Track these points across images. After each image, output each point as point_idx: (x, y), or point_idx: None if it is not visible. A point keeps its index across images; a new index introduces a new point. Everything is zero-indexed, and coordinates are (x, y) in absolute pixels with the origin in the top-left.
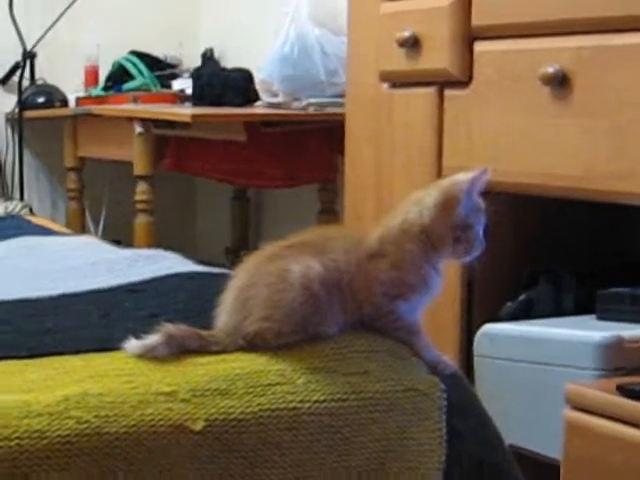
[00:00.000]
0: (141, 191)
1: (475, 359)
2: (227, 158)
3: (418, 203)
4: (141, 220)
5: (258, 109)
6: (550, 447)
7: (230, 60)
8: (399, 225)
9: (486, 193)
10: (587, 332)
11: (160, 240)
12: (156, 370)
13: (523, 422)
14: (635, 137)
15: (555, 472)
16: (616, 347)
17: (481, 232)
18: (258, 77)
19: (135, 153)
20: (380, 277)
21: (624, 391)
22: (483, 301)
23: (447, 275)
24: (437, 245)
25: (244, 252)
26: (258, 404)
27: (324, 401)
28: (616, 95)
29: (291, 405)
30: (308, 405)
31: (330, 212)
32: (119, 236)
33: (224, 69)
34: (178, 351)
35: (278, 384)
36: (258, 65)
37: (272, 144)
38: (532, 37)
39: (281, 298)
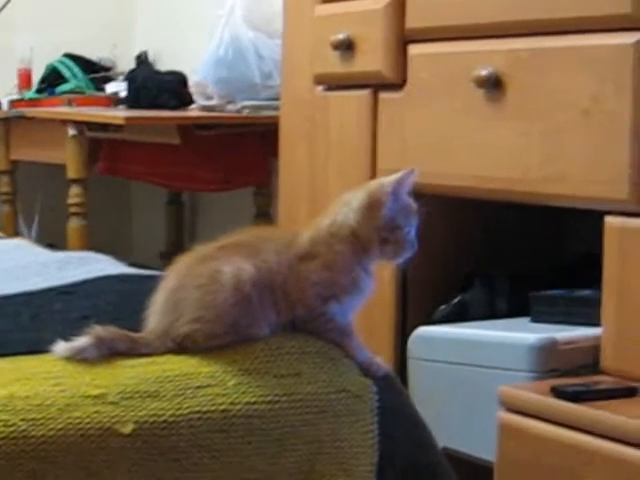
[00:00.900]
0: (74, 194)
1: (409, 361)
2: (161, 161)
3: (346, 205)
4: (74, 224)
5: (192, 112)
6: (484, 449)
7: (164, 63)
8: (328, 227)
9: (420, 195)
10: (521, 334)
11: (94, 244)
12: (85, 373)
13: (457, 424)
14: (568, 140)
15: (489, 474)
16: (550, 349)
17: (412, 233)
18: (192, 80)
19: (68, 156)
20: (312, 278)
21: (558, 393)
22: (417, 304)
23: (381, 278)
24: (366, 246)
25: (179, 256)
26: (188, 406)
27: (255, 403)
28: (550, 98)
29: (222, 407)
30: (239, 407)
31: (265, 215)
32: (53, 240)
33: (158, 72)
34: (108, 353)
35: (209, 386)
36: (193, 68)
37: (207, 147)
38: (466, 40)
39: (212, 299)
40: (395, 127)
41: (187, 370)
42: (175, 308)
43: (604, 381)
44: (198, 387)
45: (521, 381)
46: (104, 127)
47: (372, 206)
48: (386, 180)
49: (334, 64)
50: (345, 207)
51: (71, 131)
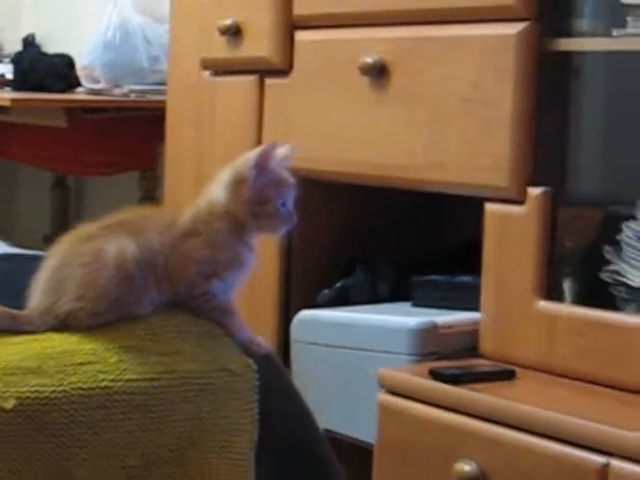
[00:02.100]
0: None
1: (292, 344)
2: (47, 144)
3: (218, 182)
4: None
5: (79, 95)
6: (365, 431)
7: (52, 46)
8: (207, 205)
9: (306, 180)
10: (401, 318)
11: None
12: None
13: (339, 407)
14: (450, 127)
15: (370, 456)
16: (429, 333)
17: (287, 206)
18: (80, 63)
19: None
20: (193, 256)
21: (436, 375)
22: (301, 288)
23: (265, 262)
24: (240, 222)
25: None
26: (70, 382)
27: (136, 380)
28: (433, 86)
29: (103, 384)
30: (120, 384)
31: (151, 199)
32: None
33: (45, 54)
34: None
35: (90, 363)
36: (80, 51)
37: (93, 131)
38: (352, 27)
39: (95, 278)
40: (281, 113)
41: (69, 347)
42: (58, 286)
43: (482, 364)
44: (80, 364)
45: (401, 364)
46: None
47: (237, 181)
48: (249, 155)
49: (221, 49)
50: (217, 184)
51: None
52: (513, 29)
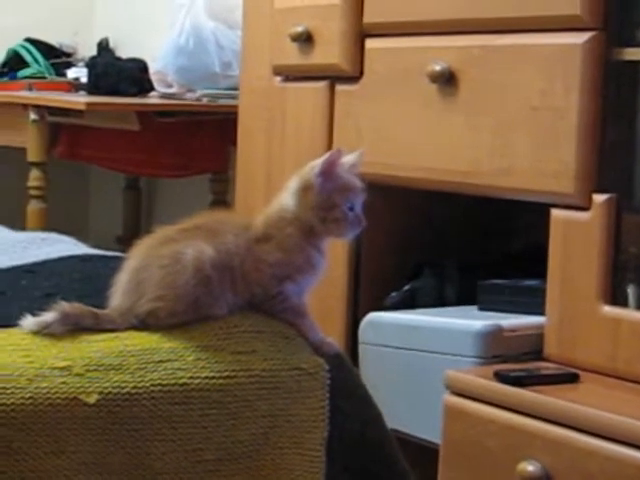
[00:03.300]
0: (34, 178)
1: (360, 346)
2: (120, 147)
3: (287, 189)
4: (34, 207)
5: (152, 99)
6: (431, 431)
7: (125, 50)
8: (277, 211)
9: (374, 185)
10: (468, 321)
11: (52, 228)
12: (52, 346)
13: (405, 408)
14: (517, 135)
15: (435, 455)
16: (495, 336)
17: (356, 210)
18: (153, 68)
19: (29, 140)
20: (267, 260)
21: (500, 377)
22: (369, 291)
23: (335, 266)
24: (309, 227)
25: (135, 241)
26: (150, 379)
27: (213, 378)
28: (500, 93)
29: (181, 381)
30: (197, 381)
31: (222, 203)
32: (9, 223)
33: (119, 59)
34: (73, 328)
35: (169, 361)
36: (153, 56)
37: (165, 134)
38: (421, 35)
39: (174, 279)
40: (350, 119)
41: (149, 345)
42: (138, 287)
43: (546, 367)
44: (159, 361)
45: (467, 366)
46: (65, 112)
47: (304, 188)
48: (315, 162)
49: (292, 56)
50: (286, 191)
51: (32, 115)
52: (580, 39)
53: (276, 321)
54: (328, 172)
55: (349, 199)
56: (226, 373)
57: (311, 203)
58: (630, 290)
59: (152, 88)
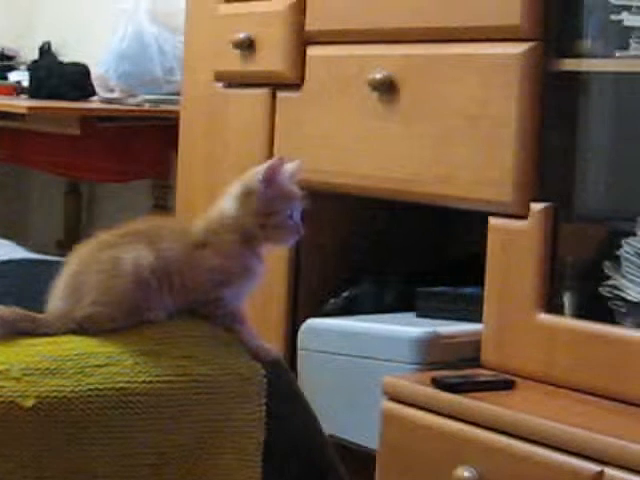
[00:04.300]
0: None
1: (299, 352)
2: (61, 151)
3: (228, 195)
4: None
5: (94, 104)
6: (368, 438)
7: (67, 54)
8: (217, 217)
9: (313, 192)
10: (405, 328)
11: None
12: None
13: (343, 414)
14: (457, 143)
15: (374, 462)
16: (432, 343)
17: (295, 218)
18: (95, 72)
19: None
20: (206, 265)
21: (437, 383)
22: (308, 298)
23: (274, 272)
24: (249, 233)
25: (76, 244)
26: (87, 383)
27: (151, 382)
28: (441, 102)
29: (119, 385)
30: (135, 385)
31: (163, 208)
32: None
33: (61, 63)
34: (11, 333)
35: (107, 365)
36: (96, 60)
37: (107, 139)
38: (363, 43)
39: (113, 284)
40: (292, 125)
41: (87, 350)
42: (77, 291)
43: (483, 374)
44: (97, 366)
45: (404, 372)
46: (6, 116)
47: (246, 194)
48: (257, 169)
49: (234, 62)
50: (227, 197)
51: None
52: (519, 49)
53: (214, 326)
54: (270, 179)
55: (289, 206)
56: (164, 378)
57: (252, 209)
58: (566, 298)
59: (94, 93)
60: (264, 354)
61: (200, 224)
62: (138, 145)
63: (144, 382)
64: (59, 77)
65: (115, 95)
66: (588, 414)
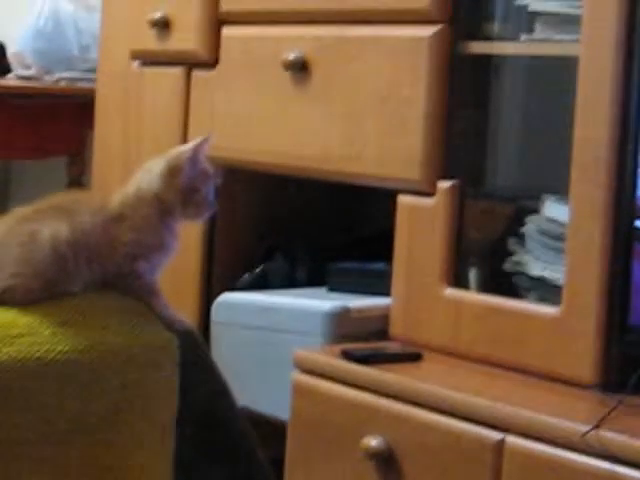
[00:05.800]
0: None
1: (212, 326)
2: None
3: (148, 172)
4: None
5: (10, 81)
6: (281, 409)
7: None
8: (134, 192)
9: (229, 169)
10: (317, 302)
11: None
12: None
13: (256, 386)
14: (367, 123)
15: (284, 432)
16: (342, 316)
17: (210, 195)
18: (11, 49)
19: None
20: (122, 239)
21: (347, 355)
22: (222, 272)
23: (189, 247)
24: (169, 209)
25: None
26: (6, 352)
27: (67, 352)
28: (352, 83)
29: (37, 355)
30: (52, 355)
31: (78, 184)
32: None
33: None
34: None
35: (25, 335)
36: (12, 37)
37: (22, 116)
38: (276, 24)
39: (31, 257)
40: (206, 104)
41: (5, 320)
42: None
43: (391, 347)
44: (15, 336)
45: (315, 345)
46: None
47: (172, 172)
48: (184, 148)
49: (150, 41)
50: (147, 174)
51: None
52: (427, 31)
53: (129, 298)
54: (195, 158)
55: (207, 184)
56: (80, 347)
57: (177, 186)
58: (472, 274)
59: (9, 70)
60: (178, 324)
61: (117, 198)
62: (54, 122)
63: (61, 352)
64: None
65: (31, 73)
66: (491, 385)
